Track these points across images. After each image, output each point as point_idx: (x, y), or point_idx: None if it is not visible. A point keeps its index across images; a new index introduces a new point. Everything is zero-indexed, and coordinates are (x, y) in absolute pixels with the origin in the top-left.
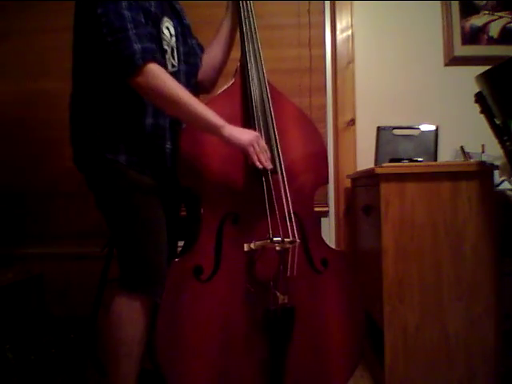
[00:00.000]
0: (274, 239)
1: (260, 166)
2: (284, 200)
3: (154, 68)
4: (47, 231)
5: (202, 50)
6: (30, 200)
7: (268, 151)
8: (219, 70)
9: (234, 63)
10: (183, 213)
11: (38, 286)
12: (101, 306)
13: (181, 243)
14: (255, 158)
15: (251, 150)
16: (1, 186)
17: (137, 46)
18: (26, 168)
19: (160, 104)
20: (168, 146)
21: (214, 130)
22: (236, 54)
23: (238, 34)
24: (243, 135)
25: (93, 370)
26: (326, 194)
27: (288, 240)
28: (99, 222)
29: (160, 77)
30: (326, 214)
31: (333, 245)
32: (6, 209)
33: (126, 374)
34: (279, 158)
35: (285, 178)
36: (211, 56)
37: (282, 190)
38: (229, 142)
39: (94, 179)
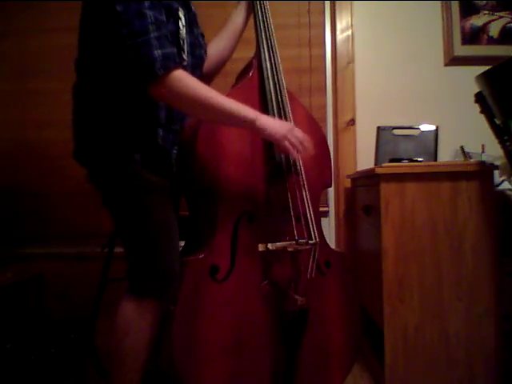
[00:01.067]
0: (300, 241)
1: (296, 155)
2: (305, 201)
3: (177, 76)
4: (47, 231)
5: (204, 38)
6: (30, 200)
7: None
8: (222, 65)
9: (233, 63)
10: (182, 212)
11: (38, 286)
12: (101, 306)
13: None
14: (290, 150)
15: (285, 144)
16: (1, 185)
17: (157, 53)
18: (26, 168)
19: (186, 110)
20: (175, 151)
21: (249, 124)
22: (235, 54)
23: (253, 31)
24: (277, 128)
25: (93, 371)
26: (326, 194)
27: (312, 242)
28: (99, 222)
29: (185, 84)
30: (326, 214)
31: (333, 245)
32: (6, 209)
33: (130, 379)
34: (299, 159)
35: (304, 180)
36: (219, 49)
37: (303, 191)
38: (263, 134)
39: (103, 177)
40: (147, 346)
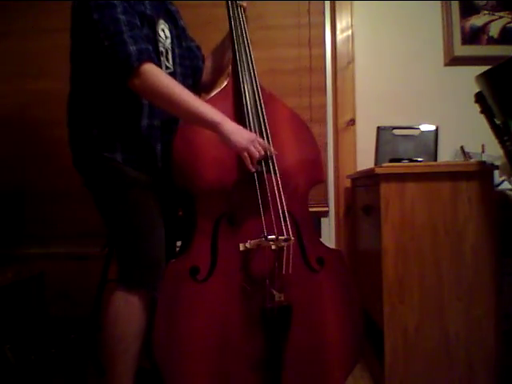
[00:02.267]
0: (269, 237)
1: (252, 171)
2: (278, 199)
3: (149, 68)
4: (47, 231)
5: (200, 50)
6: (30, 200)
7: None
8: (218, 75)
9: None
10: (181, 213)
11: (38, 285)
12: (101, 306)
13: (178, 243)
14: (248, 163)
15: (245, 155)
16: (1, 185)
17: (132, 48)
18: (26, 168)
19: (158, 103)
20: (159, 147)
21: (212, 127)
22: None
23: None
24: (239, 138)
25: (93, 371)
26: (326, 194)
27: (282, 238)
28: (99, 222)
29: (156, 76)
30: (326, 214)
31: (333, 245)
32: (6, 209)
33: (123, 370)
34: (272, 158)
35: (278, 178)
36: (214, 60)
37: (276, 190)
38: (224, 142)
39: (91, 178)
40: (137, 335)
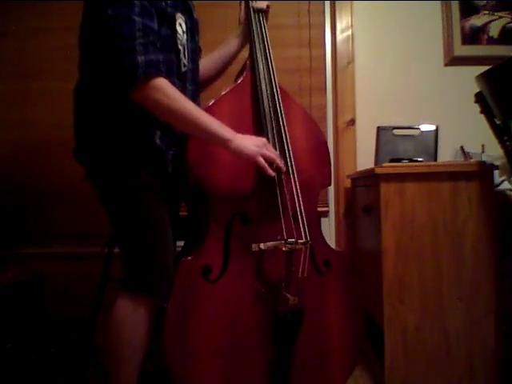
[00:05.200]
0: (289, 240)
1: (272, 175)
2: (296, 201)
3: (156, 84)
4: (47, 231)
5: (200, 50)
6: (30, 200)
7: (278, 154)
8: (207, 83)
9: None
10: (182, 213)
11: (38, 285)
12: (101, 306)
13: (179, 243)
14: (266, 168)
15: (260, 160)
16: (1, 185)
17: (140, 59)
18: (26, 168)
19: (164, 118)
20: (171, 151)
21: (222, 144)
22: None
23: (248, 34)
24: (250, 147)
25: (93, 371)
26: (326, 194)
27: (301, 241)
28: (100, 222)
29: (163, 93)
30: (326, 214)
31: (333, 245)
32: (6, 209)
33: (127, 376)
34: (290, 160)
35: (296, 180)
36: (207, 67)
37: (294, 192)
38: (237, 156)
39: (101, 176)
40: (143, 343)
